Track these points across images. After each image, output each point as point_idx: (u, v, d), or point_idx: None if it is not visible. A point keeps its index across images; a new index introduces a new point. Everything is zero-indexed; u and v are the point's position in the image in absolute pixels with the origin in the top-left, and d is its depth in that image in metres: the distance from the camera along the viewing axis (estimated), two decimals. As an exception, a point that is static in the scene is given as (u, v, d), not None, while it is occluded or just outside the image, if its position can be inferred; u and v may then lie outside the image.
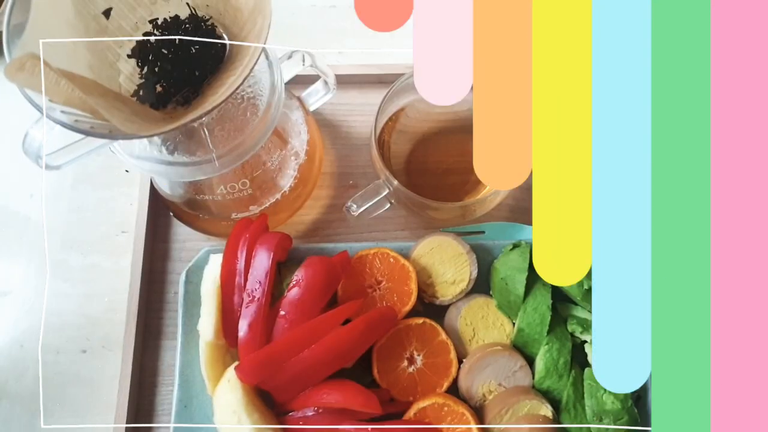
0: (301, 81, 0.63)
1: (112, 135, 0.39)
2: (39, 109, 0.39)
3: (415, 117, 0.65)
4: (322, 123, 0.69)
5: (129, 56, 0.47)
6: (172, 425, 0.56)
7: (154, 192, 0.64)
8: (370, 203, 0.58)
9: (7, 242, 0.68)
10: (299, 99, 0.62)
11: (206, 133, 0.49)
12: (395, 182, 0.57)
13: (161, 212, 0.66)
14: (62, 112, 0.40)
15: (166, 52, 0.47)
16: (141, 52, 0.47)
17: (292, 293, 0.54)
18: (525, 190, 0.66)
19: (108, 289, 0.65)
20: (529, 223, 0.64)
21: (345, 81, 0.69)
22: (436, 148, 0.65)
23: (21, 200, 0.69)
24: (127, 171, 0.69)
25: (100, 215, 0.68)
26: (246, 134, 0.49)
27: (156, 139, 0.49)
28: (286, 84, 0.54)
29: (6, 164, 0.70)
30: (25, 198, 0.69)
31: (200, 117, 0.39)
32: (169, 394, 0.60)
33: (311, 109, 0.63)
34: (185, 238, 0.65)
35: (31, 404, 0.61)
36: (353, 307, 0.55)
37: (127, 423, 0.58)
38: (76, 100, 0.40)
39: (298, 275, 0.55)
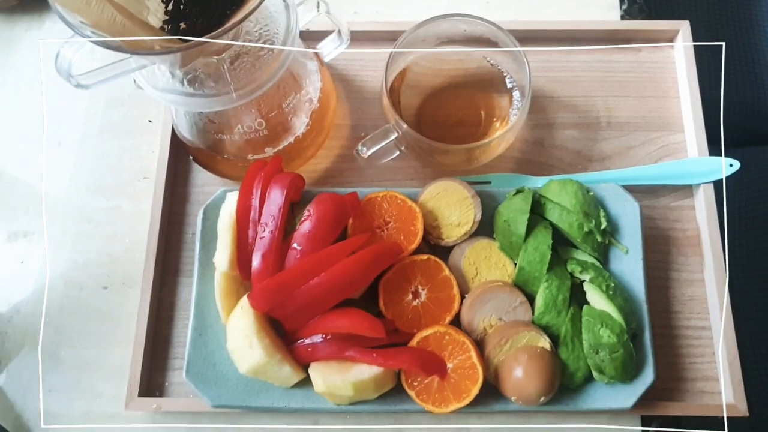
0: (317, 37, 0.66)
1: (138, 51, 0.42)
2: (71, 26, 0.42)
3: (424, 72, 0.67)
4: (337, 77, 0.72)
5: (154, -8, 0.50)
6: (187, 351, 0.59)
7: (175, 139, 0.68)
8: (379, 146, 0.61)
9: (34, 186, 0.71)
10: (315, 54, 0.65)
11: (225, 67, 0.52)
12: (404, 125, 0.59)
13: (182, 158, 0.69)
14: (92, 32, 0.43)
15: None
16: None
17: (304, 226, 0.57)
18: (531, 143, 0.69)
19: (129, 230, 0.68)
20: (535, 174, 0.66)
21: (359, 38, 0.71)
22: (446, 102, 0.67)
23: (50, 148, 0.73)
24: (150, 121, 0.72)
25: (123, 162, 0.71)
26: (262, 69, 0.52)
27: (178, 72, 0.52)
28: (301, 32, 0.57)
29: (37, 113, 0.74)
30: (53, 146, 0.73)
31: (218, 34, 0.41)
32: (185, 327, 0.62)
33: (326, 60, 0.65)
34: (203, 183, 0.68)
35: (50, 346, 0.64)
36: (361, 239, 0.57)
37: (144, 352, 0.61)
38: (105, 23, 0.43)
39: (310, 209, 0.57)
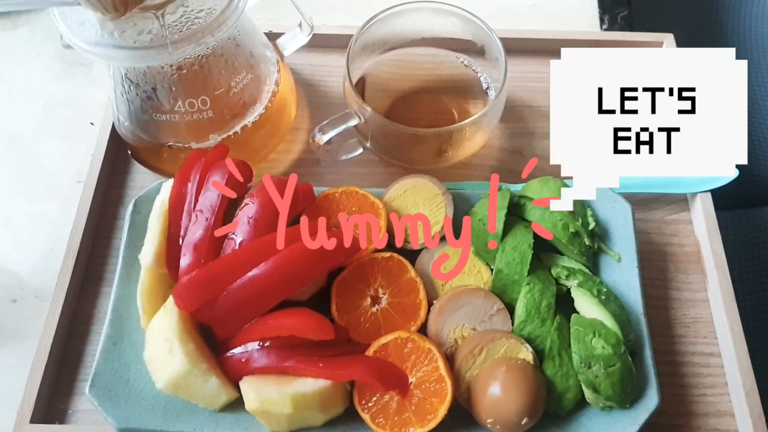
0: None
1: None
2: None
3: (392, 75, 0.62)
4: (301, 83, 0.66)
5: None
6: (95, 362, 0.48)
7: (114, 137, 0.60)
8: (338, 130, 0.54)
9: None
10: (275, 45, 0.60)
11: (162, 19, 0.46)
12: (368, 109, 0.53)
13: (121, 158, 0.62)
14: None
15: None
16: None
17: (245, 212, 0.49)
18: (509, 152, 0.62)
19: (52, 238, 0.60)
20: (513, 182, 0.59)
21: (326, 44, 0.67)
22: (416, 105, 0.62)
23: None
24: (92, 123, 0.65)
25: (56, 165, 0.64)
26: (202, 24, 0.46)
27: (109, 24, 0.46)
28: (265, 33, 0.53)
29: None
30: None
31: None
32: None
33: (286, 53, 0.60)
34: (143, 185, 0.60)
35: None
36: (312, 227, 0.49)
37: (45, 372, 0.50)
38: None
39: (253, 192, 0.50)
